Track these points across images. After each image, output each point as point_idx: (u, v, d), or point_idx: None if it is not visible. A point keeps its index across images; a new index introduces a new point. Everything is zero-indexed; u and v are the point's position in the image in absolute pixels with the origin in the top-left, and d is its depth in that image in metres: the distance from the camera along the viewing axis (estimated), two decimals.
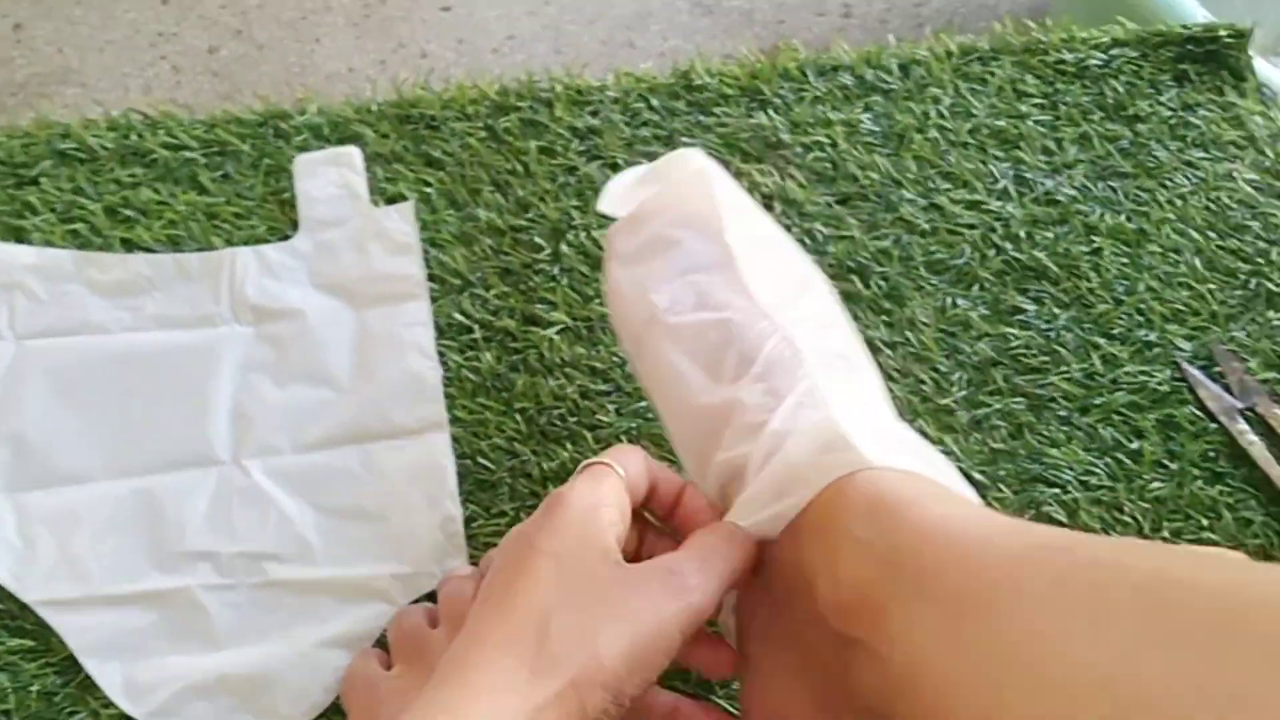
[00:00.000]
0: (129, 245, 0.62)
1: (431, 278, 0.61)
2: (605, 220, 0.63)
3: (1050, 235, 0.63)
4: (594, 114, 0.67)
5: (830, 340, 0.48)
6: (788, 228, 0.63)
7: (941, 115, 0.67)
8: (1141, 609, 0.30)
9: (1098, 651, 0.30)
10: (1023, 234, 0.63)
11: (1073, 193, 0.65)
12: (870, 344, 0.60)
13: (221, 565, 0.54)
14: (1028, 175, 0.65)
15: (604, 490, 0.42)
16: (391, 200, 0.63)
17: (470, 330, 0.60)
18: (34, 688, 0.51)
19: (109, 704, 0.51)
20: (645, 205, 0.51)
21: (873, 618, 0.37)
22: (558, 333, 0.60)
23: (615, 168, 0.64)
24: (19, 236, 0.62)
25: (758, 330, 0.46)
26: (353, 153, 0.64)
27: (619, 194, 0.53)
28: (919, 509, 0.38)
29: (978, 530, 0.36)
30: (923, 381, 0.59)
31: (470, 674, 0.37)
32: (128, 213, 0.63)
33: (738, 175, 0.64)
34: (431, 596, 0.54)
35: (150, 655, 0.52)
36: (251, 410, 0.57)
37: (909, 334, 0.60)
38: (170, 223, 0.63)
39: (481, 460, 0.57)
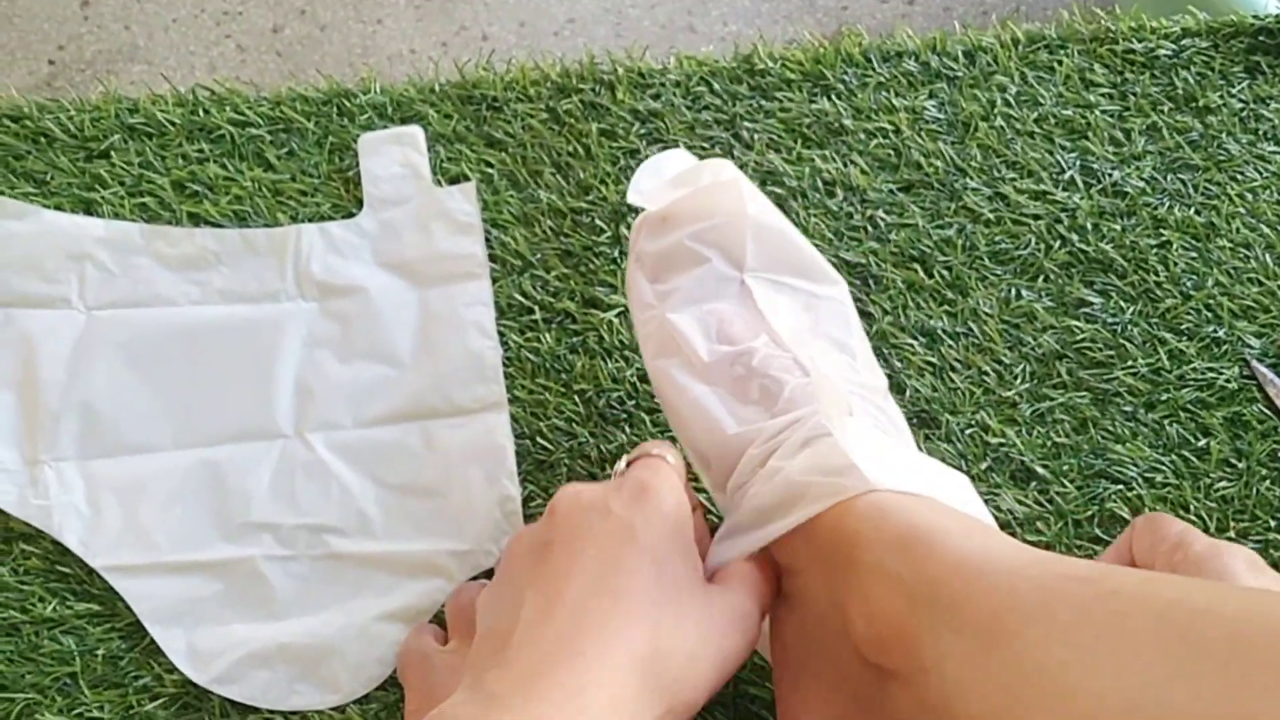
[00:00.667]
0: (196, 220, 0.63)
1: (492, 258, 0.62)
2: None
3: (1117, 227, 0.63)
4: (655, 97, 0.66)
5: (849, 370, 0.48)
6: (849, 215, 0.63)
7: (1007, 103, 0.66)
8: (1163, 638, 0.30)
9: (1121, 680, 0.31)
10: (1089, 225, 0.63)
11: (1141, 184, 0.64)
12: (931, 334, 0.60)
13: (284, 537, 0.55)
14: (1095, 166, 0.64)
15: (679, 485, 0.42)
16: (454, 180, 0.64)
17: (530, 311, 0.60)
18: (100, 651, 0.52)
19: (172, 669, 0.52)
20: (675, 208, 0.51)
21: (906, 649, 0.37)
22: (617, 315, 0.60)
23: None
24: (89, 209, 0.63)
25: (778, 364, 0.47)
26: (416, 132, 0.64)
27: (649, 187, 0.53)
28: (948, 541, 0.38)
29: (1006, 562, 0.36)
30: (985, 373, 0.59)
31: (580, 678, 0.35)
32: (195, 187, 0.64)
33: (799, 161, 0.64)
34: (488, 574, 0.54)
35: (213, 623, 0.53)
36: (315, 385, 0.58)
37: (972, 324, 0.60)
38: (236, 198, 0.63)
39: (540, 440, 0.57)
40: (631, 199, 0.53)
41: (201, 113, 0.66)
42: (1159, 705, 0.29)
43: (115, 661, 0.52)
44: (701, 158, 0.64)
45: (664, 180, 0.52)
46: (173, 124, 0.66)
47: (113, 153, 0.65)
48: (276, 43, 0.69)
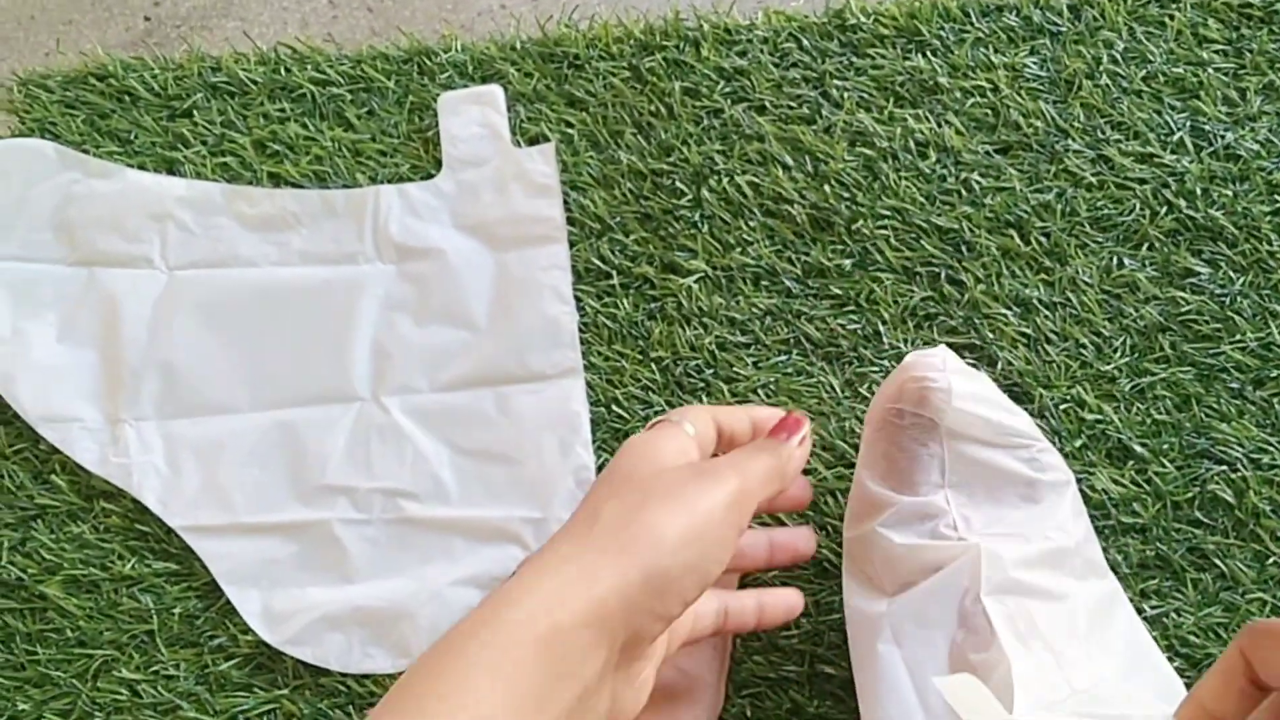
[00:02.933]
0: (276, 180, 0.63)
1: (571, 221, 0.60)
2: (749, 165, 0.61)
3: (1229, 193, 0.59)
4: (741, 54, 0.64)
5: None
6: (942, 177, 0.60)
7: (1114, 60, 0.63)
8: None
9: None
10: (1198, 191, 0.59)
11: (1255, 147, 0.60)
12: (1026, 304, 0.57)
13: (359, 500, 0.54)
14: (1206, 127, 0.61)
15: (665, 437, 0.42)
16: (533, 141, 0.62)
17: (608, 276, 0.59)
18: (176, 610, 0.53)
19: (247, 630, 0.52)
20: None
21: None
22: (696, 281, 0.59)
23: (762, 110, 0.62)
24: (171, 168, 0.63)
25: None
26: (495, 91, 0.63)
27: None
28: None
29: None
30: (1083, 346, 0.56)
31: (534, 561, 0.37)
32: (276, 147, 0.63)
33: (890, 121, 0.61)
34: None
35: (288, 585, 0.53)
36: (391, 348, 0.57)
37: (1070, 295, 0.57)
38: (317, 158, 0.63)
39: (616, 409, 0.56)
40: None
41: (283, 71, 0.66)
42: None
43: (191, 620, 0.53)
44: (787, 117, 0.62)
45: None
46: (255, 83, 0.65)
47: (195, 111, 0.65)
48: None
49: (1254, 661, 0.32)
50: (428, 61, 0.65)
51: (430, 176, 0.62)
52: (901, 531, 0.45)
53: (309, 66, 0.65)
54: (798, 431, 0.44)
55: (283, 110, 0.64)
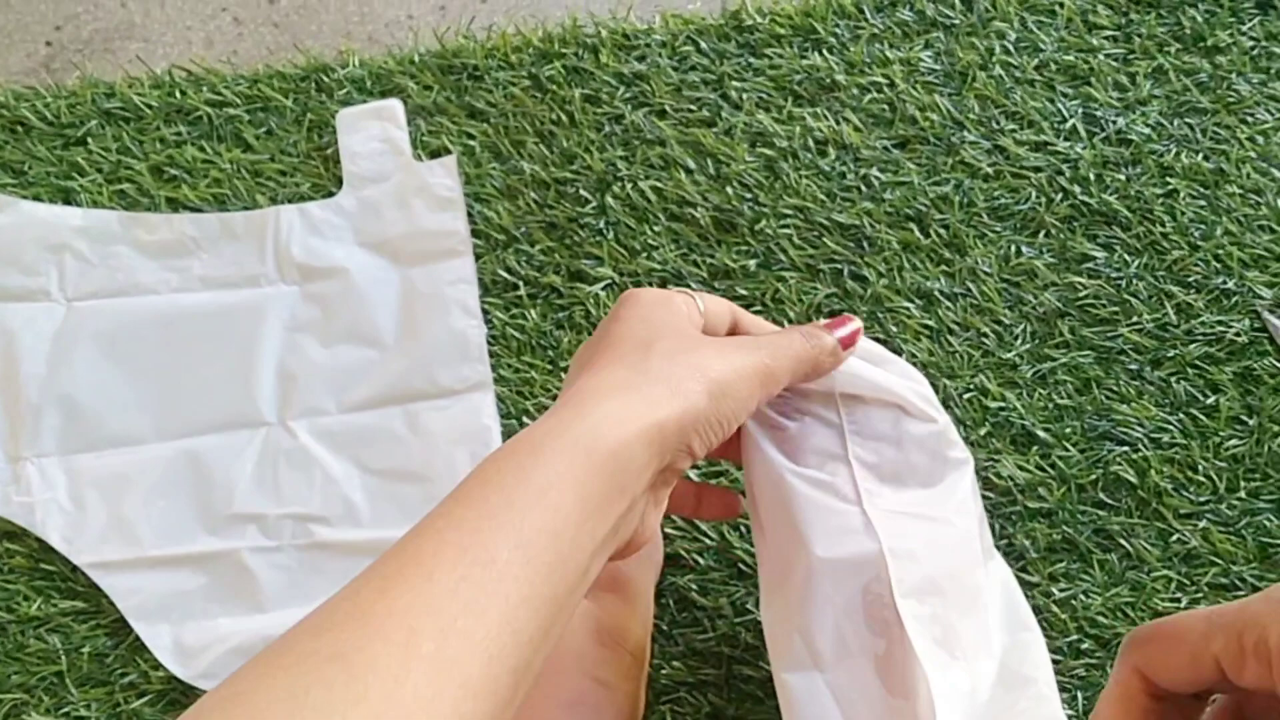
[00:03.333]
0: (175, 205, 0.62)
1: (475, 233, 0.60)
2: (651, 170, 0.61)
3: (1122, 177, 0.60)
4: (640, 59, 0.64)
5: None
6: (842, 174, 0.60)
7: (1006, 51, 0.64)
8: None
9: None
10: (1092, 176, 0.60)
11: (1146, 131, 0.61)
12: (928, 296, 0.58)
13: (268, 528, 0.54)
14: (1098, 113, 0.62)
15: (680, 300, 0.44)
16: (435, 154, 0.62)
17: (515, 287, 0.59)
18: (85, 649, 0.52)
19: (158, 665, 0.51)
20: None
21: None
22: (604, 288, 0.59)
23: (662, 115, 0.62)
24: (67, 197, 0.62)
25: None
26: (394, 106, 0.62)
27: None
28: None
29: None
30: (984, 334, 0.57)
31: (587, 385, 0.39)
32: (173, 171, 0.62)
33: (789, 120, 0.62)
34: None
35: (199, 617, 0.52)
36: (297, 370, 0.57)
37: (970, 284, 0.58)
38: (215, 181, 0.62)
39: (527, 420, 0.56)
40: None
41: (179, 94, 0.65)
42: None
43: (101, 659, 0.52)
44: (688, 120, 0.62)
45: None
46: (150, 107, 0.64)
47: (90, 139, 0.64)
48: (273, 13, 0.68)
49: (1149, 671, 0.31)
50: (325, 78, 0.64)
51: (331, 195, 0.61)
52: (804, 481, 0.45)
53: (205, 89, 0.64)
54: (846, 329, 0.45)
55: (179, 134, 0.63)
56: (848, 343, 0.45)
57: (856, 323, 0.45)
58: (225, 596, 0.52)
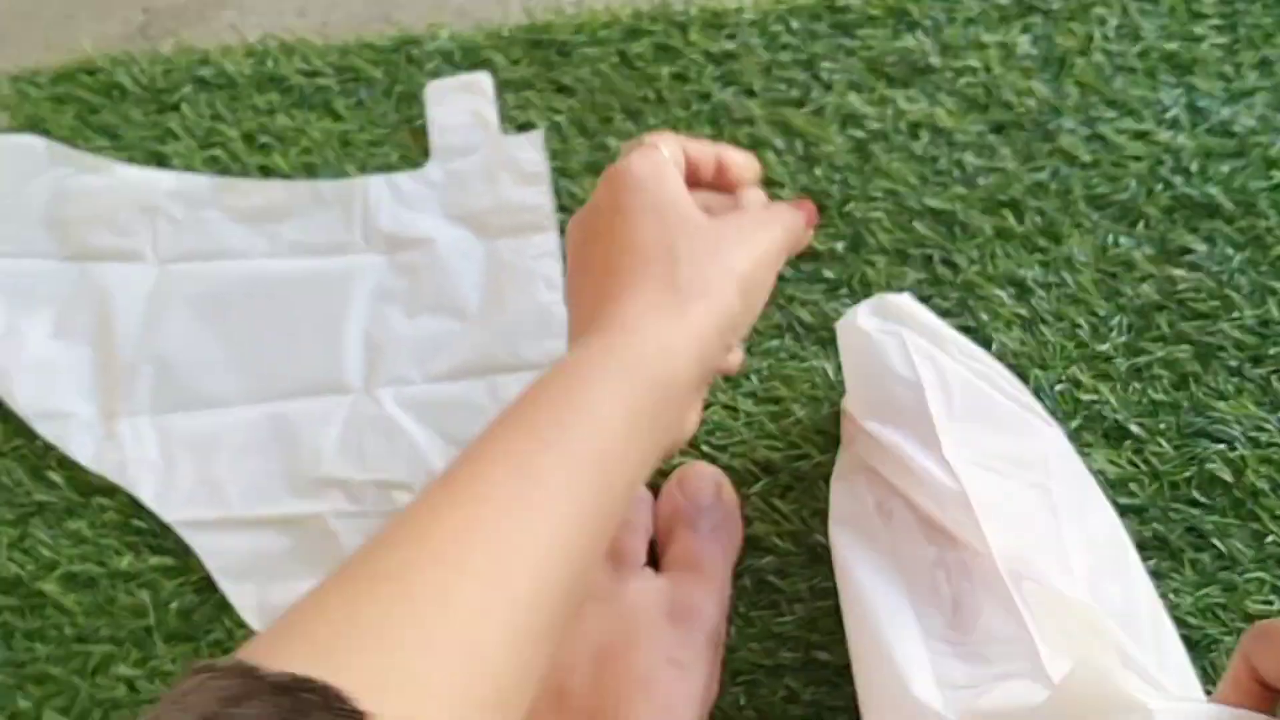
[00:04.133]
0: (266, 172, 0.62)
1: (561, 208, 0.60)
2: (740, 147, 0.60)
3: (1225, 169, 0.58)
4: (730, 37, 0.64)
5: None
6: (935, 159, 0.59)
7: (1107, 37, 0.62)
8: None
9: None
10: (1194, 167, 0.58)
11: (1251, 122, 0.60)
12: (1021, 284, 0.57)
13: (353, 493, 0.54)
14: (1201, 103, 0.60)
15: (660, 158, 0.43)
16: (522, 128, 0.62)
17: None
18: (173, 605, 0.53)
19: (243, 624, 0.52)
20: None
21: None
22: None
23: (751, 94, 0.62)
24: (160, 161, 0.63)
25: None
26: (483, 79, 0.62)
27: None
28: None
29: None
30: (1079, 326, 0.56)
31: (625, 309, 0.40)
32: (265, 139, 0.63)
33: (881, 102, 0.61)
34: None
35: (283, 579, 0.53)
36: (383, 339, 0.57)
37: (1065, 274, 0.57)
38: (305, 150, 0.63)
39: None
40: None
41: (271, 63, 0.65)
42: None
43: (188, 616, 0.53)
44: (777, 100, 0.61)
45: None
46: (243, 75, 0.65)
47: (183, 105, 0.64)
48: None
49: (1255, 664, 0.32)
50: (415, 50, 0.64)
51: (419, 166, 0.61)
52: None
53: (296, 58, 0.65)
54: (807, 211, 0.47)
55: (270, 102, 0.64)
56: (812, 221, 0.48)
57: (815, 216, 0.48)
58: (309, 559, 0.53)
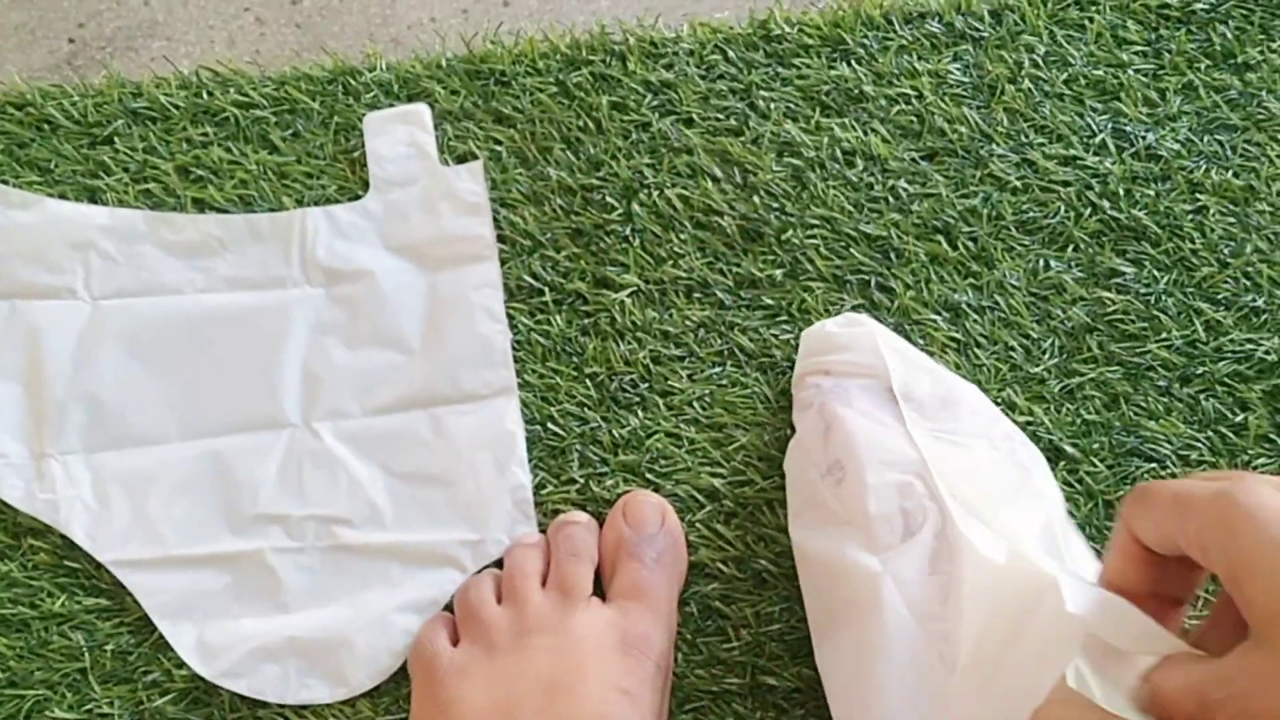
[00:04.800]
0: (201, 205, 0.62)
1: (501, 239, 0.60)
2: (678, 177, 0.61)
3: (1151, 193, 0.60)
4: (668, 67, 0.64)
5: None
6: (869, 185, 0.60)
7: (1035, 64, 0.63)
8: None
9: None
10: (1121, 191, 0.60)
11: (1176, 147, 0.61)
12: (955, 309, 0.57)
13: (292, 528, 0.54)
14: (1128, 128, 0.62)
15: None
16: (461, 159, 0.62)
17: (540, 293, 0.59)
18: (109, 646, 0.52)
19: (181, 664, 0.51)
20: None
21: None
22: (629, 295, 0.59)
23: (690, 123, 0.62)
24: (93, 196, 0.62)
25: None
26: (422, 110, 0.62)
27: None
28: None
29: None
30: (1012, 349, 0.56)
31: None
32: (199, 172, 0.62)
33: (817, 130, 0.62)
34: (499, 564, 0.53)
35: (222, 617, 0.52)
36: (322, 372, 0.57)
37: (998, 298, 0.58)
38: (241, 182, 0.62)
39: (551, 426, 0.56)
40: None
41: (206, 95, 0.65)
42: None
43: (124, 657, 0.52)
44: (715, 129, 0.62)
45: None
46: (177, 107, 0.64)
47: (116, 138, 0.64)
48: (295, 14, 0.68)
49: (1133, 527, 0.31)
50: (352, 81, 0.64)
51: (357, 198, 0.61)
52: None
53: (232, 90, 0.65)
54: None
55: (205, 135, 0.63)
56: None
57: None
58: (249, 596, 0.52)
